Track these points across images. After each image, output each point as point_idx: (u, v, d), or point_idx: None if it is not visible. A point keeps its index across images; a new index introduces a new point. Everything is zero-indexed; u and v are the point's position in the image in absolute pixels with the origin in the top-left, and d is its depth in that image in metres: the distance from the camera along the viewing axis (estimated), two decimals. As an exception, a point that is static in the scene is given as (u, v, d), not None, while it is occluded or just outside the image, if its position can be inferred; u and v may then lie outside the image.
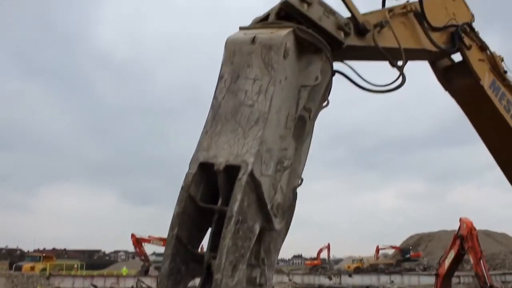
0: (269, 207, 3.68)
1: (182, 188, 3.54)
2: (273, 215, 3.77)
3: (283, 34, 3.97)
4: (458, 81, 6.80)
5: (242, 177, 3.41)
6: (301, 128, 4.20)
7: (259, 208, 3.62)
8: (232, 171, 3.48)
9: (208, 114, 3.86)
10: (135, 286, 38.33)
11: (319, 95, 4.31)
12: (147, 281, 42.49)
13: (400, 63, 4.99)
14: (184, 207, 3.51)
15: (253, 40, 3.97)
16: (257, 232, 3.60)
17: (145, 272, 53.65)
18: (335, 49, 4.43)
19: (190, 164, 3.65)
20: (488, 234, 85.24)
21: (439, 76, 6.94)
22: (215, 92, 3.91)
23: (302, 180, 4.34)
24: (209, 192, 3.62)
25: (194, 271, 3.51)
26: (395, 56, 5.03)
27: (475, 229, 20.86)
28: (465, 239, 20.67)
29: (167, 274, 3.42)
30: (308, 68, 4.20)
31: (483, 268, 20.34)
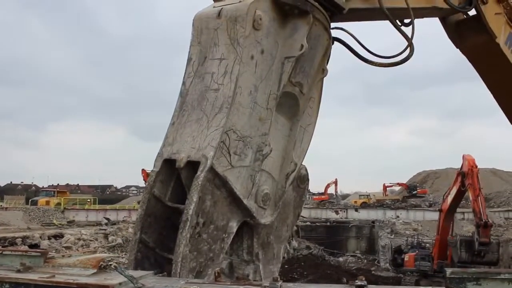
0: (246, 201, 3.35)
1: (145, 188, 3.31)
2: (258, 207, 3.48)
3: (250, 1, 3.36)
4: (471, 38, 6.30)
5: (200, 175, 3.09)
6: (293, 106, 3.75)
7: (233, 204, 3.29)
8: (195, 166, 3.17)
9: (176, 103, 3.53)
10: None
11: (311, 65, 3.80)
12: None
13: (406, 21, 4.52)
14: (148, 208, 3.25)
15: (219, 14, 3.44)
16: (233, 230, 3.31)
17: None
18: (335, 14, 3.94)
19: (154, 161, 3.37)
20: (494, 172, 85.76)
21: (450, 32, 6.39)
22: (183, 77, 3.54)
23: (296, 165, 3.89)
24: (181, 189, 3.29)
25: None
26: (402, 15, 4.52)
27: (476, 166, 21.09)
28: (466, 176, 20.97)
29: None
30: (292, 36, 3.61)
31: (480, 205, 20.73)
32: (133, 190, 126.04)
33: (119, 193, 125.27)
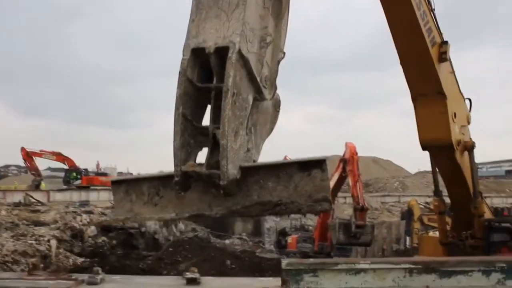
0: (258, 79, 4.17)
1: (180, 72, 3.93)
2: (262, 86, 4.28)
3: None
4: None
5: (232, 56, 3.82)
6: (279, 5, 4.55)
7: (250, 81, 4.09)
8: (222, 52, 3.88)
9: (192, 3, 4.15)
10: (22, 200, 36.88)
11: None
12: (37, 195, 41.18)
13: None
14: (184, 88, 3.93)
15: None
16: (251, 103, 4.14)
17: (36, 186, 52.07)
18: None
19: (183, 51, 4.01)
20: (375, 160, 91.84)
21: None
22: None
23: (284, 53, 4.75)
24: (203, 74, 4.05)
25: (201, 143, 4.02)
26: None
27: (356, 153, 22.17)
28: (347, 163, 22.00)
29: (179, 147, 3.86)
30: None
31: (358, 190, 21.91)
32: (13, 170, 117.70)
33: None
